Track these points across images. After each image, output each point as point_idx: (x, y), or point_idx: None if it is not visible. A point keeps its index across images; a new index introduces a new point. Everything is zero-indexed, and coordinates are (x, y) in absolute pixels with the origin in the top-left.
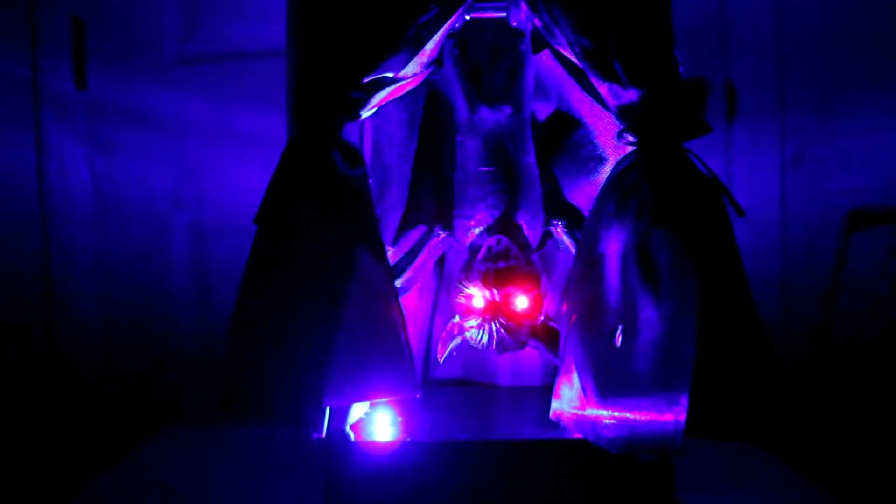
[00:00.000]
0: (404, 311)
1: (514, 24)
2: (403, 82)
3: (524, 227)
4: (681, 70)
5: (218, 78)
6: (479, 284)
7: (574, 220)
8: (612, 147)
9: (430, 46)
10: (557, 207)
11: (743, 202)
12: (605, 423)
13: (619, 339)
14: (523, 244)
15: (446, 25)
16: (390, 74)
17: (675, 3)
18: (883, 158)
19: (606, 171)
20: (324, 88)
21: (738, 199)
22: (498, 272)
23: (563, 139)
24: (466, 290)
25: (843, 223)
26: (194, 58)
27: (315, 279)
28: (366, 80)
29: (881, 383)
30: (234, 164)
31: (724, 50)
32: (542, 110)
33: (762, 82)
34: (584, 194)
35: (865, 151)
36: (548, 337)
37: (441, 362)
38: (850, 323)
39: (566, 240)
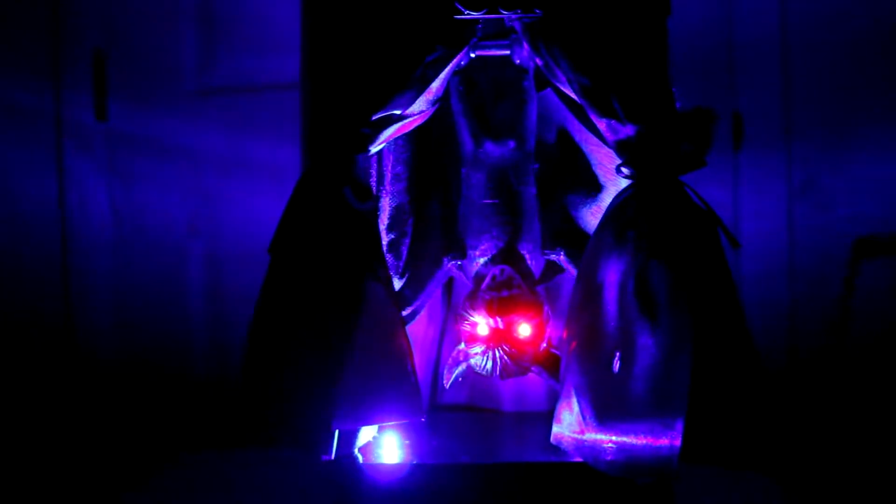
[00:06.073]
0: (413, 339)
1: (518, 61)
2: (411, 119)
3: (527, 257)
4: (677, 105)
5: (234, 109)
6: (484, 313)
7: (574, 248)
8: (612, 176)
9: (436, 85)
10: (556, 237)
11: (751, 231)
12: (604, 448)
13: (616, 366)
14: (526, 273)
15: (452, 64)
16: (398, 112)
17: (683, 34)
18: (890, 186)
19: (606, 199)
20: (335, 125)
21: (745, 227)
22: (501, 301)
23: (566, 169)
24: (471, 318)
25: (852, 251)
26: (211, 90)
27: (325, 308)
28: (374, 117)
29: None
30: (249, 194)
31: (731, 80)
32: (546, 142)
33: (769, 112)
34: (587, 222)
35: (873, 180)
36: (550, 363)
37: (447, 388)
38: (859, 350)
39: (572, 268)
